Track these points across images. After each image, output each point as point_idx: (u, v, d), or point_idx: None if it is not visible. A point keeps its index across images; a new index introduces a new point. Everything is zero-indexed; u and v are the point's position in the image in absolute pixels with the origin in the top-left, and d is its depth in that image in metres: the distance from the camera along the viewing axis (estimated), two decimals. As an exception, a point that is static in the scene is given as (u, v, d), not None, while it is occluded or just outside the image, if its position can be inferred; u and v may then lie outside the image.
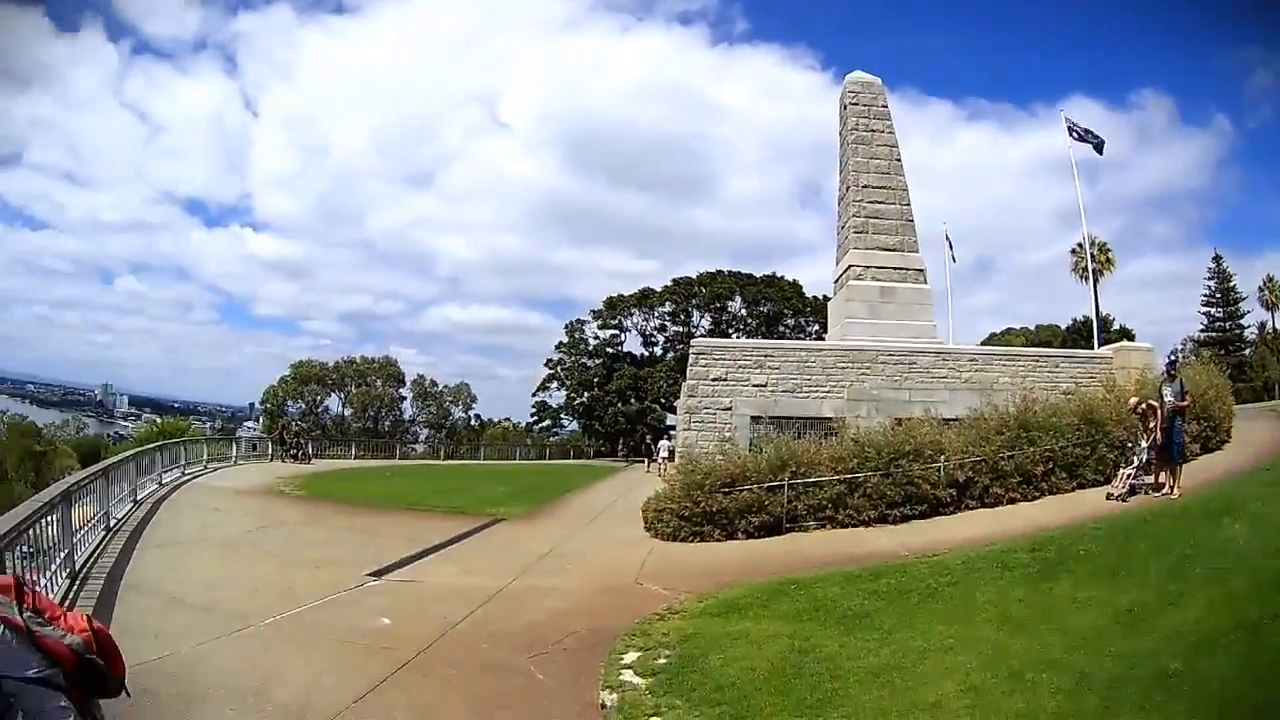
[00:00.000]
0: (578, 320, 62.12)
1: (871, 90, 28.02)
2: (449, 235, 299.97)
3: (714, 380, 22.03)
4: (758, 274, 61.06)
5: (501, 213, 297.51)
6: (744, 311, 59.92)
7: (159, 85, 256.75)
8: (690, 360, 22.75)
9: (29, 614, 2.63)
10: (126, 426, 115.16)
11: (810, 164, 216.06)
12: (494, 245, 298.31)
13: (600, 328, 60.82)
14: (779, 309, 59.13)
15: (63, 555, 8.43)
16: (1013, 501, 13.93)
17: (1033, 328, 66.09)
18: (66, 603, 7.44)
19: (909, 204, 27.14)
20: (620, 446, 56.47)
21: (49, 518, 8.10)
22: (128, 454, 15.65)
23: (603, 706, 5.93)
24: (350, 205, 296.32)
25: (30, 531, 7.28)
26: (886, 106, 27.97)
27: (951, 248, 37.38)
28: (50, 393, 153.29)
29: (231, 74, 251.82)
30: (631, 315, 60.75)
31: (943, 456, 13.86)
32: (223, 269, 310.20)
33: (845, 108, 27.87)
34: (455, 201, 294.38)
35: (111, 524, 12.03)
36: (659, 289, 60.79)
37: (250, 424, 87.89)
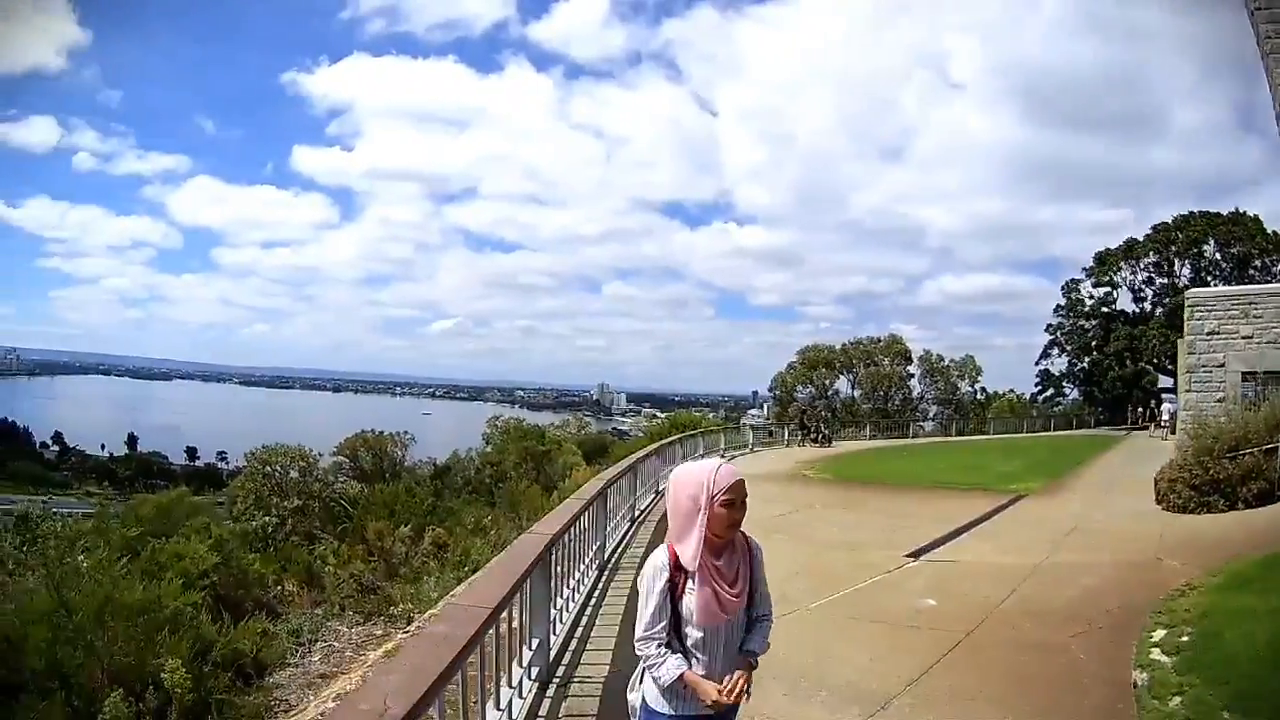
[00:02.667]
0: (1072, 280, 57.90)
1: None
2: (929, 205, 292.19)
3: (1208, 335, 19.36)
4: (1223, 212, 52.12)
5: (974, 175, 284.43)
6: (1218, 255, 51.51)
7: (605, 102, 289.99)
8: (1186, 314, 20.20)
9: None
10: (625, 423, 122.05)
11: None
12: (972, 210, 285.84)
13: (1094, 285, 56.01)
14: (1246, 250, 49.99)
15: (594, 548, 8.61)
16: None
17: None
18: (598, 592, 7.80)
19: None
20: (1120, 413, 51.16)
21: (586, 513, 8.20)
22: (651, 448, 16.30)
23: (1134, 685, 5.72)
24: (828, 187, 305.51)
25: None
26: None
27: None
28: (541, 396, 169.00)
29: (676, 80, 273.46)
30: (1119, 270, 54.92)
31: None
32: (712, 265, 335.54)
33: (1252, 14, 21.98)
34: (928, 169, 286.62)
35: (635, 515, 12.53)
36: (1140, 239, 54.50)
37: (754, 411, 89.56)
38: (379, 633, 8.72)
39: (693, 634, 2.80)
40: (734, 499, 2.82)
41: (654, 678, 2.82)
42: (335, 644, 8.38)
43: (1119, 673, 6.01)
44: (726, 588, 2.81)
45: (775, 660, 6.09)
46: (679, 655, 2.79)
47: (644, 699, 2.92)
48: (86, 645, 6.24)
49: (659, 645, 2.80)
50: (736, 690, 2.77)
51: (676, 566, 2.80)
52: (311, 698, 6.86)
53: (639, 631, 2.83)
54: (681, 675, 2.75)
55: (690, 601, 2.79)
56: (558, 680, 5.37)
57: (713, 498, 2.77)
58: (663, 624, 2.80)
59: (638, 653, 2.85)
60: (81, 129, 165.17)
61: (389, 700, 2.23)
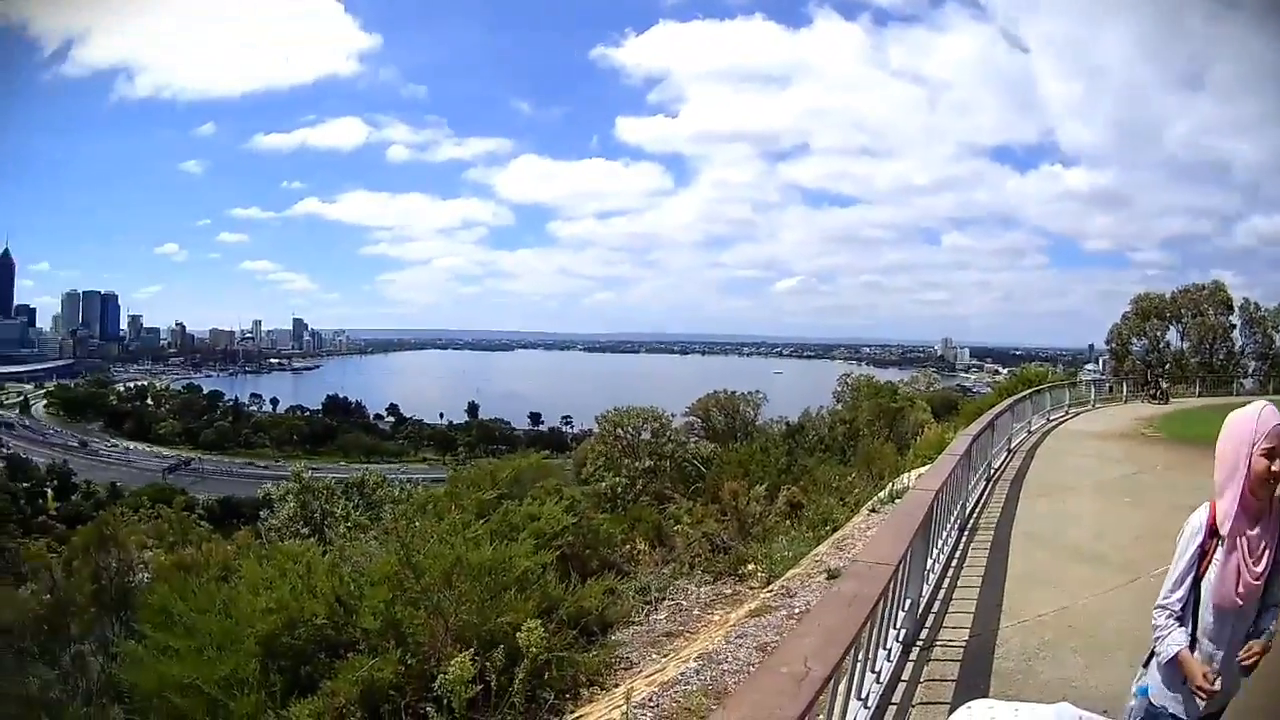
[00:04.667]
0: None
1: None
2: (1233, 138, 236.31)
3: None
4: None
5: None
6: None
7: (918, 47, 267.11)
8: None
9: None
10: (969, 379, 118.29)
11: None
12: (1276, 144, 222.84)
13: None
14: None
15: (957, 507, 8.58)
16: None
17: None
18: (958, 554, 7.75)
19: None
20: None
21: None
22: (1003, 405, 15.98)
23: None
24: (1141, 121, 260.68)
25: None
26: None
27: None
28: (887, 353, 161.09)
29: (981, 18, 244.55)
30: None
31: None
32: (1043, 210, 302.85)
33: None
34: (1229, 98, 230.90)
35: (991, 473, 12.36)
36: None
37: (1090, 366, 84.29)
38: (728, 592, 8.61)
39: (1204, 617, 2.67)
40: (1275, 447, 2.53)
41: (1155, 653, 2.76)
42: (683, 603, 8.38)
43: None
44: (1250, 565, 2.60)
45: (1120, 632, 5.64)
46: (1184, 631, 2.67)
47: (1149, 688, 2.81)
48: (432, 605, 6.55)
49: (1170, 617, 2.70)
50: (1251, 661, 2.61)
51: (1211, 532, 2.67)
52: (654, 655, 6.95)
53: (1159, 597, 2.75)
54: (1177, 654, 2.64)
55: (1211, 577, 2.65)
56: (920, 644, 5.33)
57: (1254, 445, 2.57)
58: (1180, 594, 2.69)
59: (1153, 621, 2.77)
60: (391, 124, 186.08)
61: (809, 662, 2.38)
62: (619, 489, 18.60)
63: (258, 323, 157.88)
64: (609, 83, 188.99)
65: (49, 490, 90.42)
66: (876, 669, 4.04)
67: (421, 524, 8.91)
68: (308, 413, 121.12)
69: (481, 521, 8.54)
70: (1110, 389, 34.64)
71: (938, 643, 5.29)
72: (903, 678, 4.73)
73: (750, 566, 8.95)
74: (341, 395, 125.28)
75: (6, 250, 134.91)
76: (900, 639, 4.94)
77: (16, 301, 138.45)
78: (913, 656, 5.08)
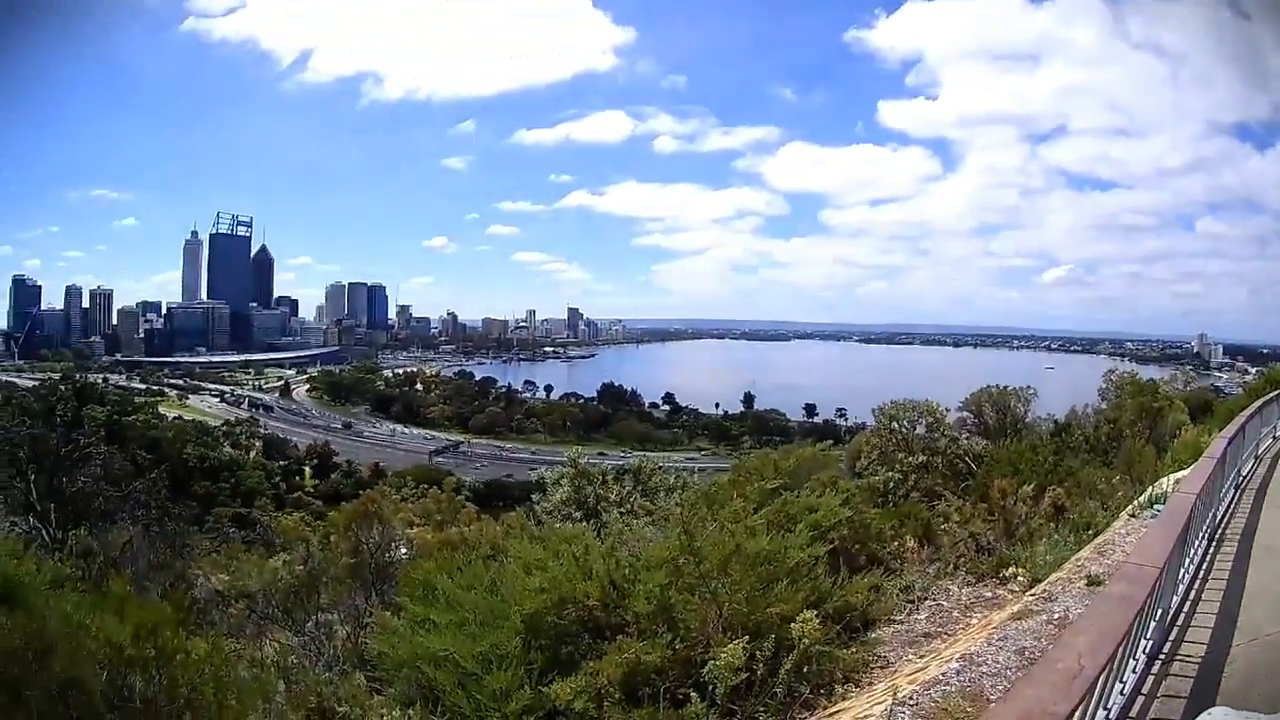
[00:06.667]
0: None
1: None
2: None
3: None
4: None
5: None
6: None
7: (1156, 17, 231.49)
8: None
9: None
10: (1221, 377, 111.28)
11: None
12: None
13: None
14: None
15: (1209, 516, 8.22)
16: None
17: None
18: (1200, 570, 7.27)
19: None
20: None
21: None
22: (1251, 408, 14.56)
23: None
24: None
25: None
26: None
27: None
28: (1149, 348, 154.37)
29: None
30: None
31: None
32: None
33: None
34: None
35: (1239, 480, 11.55)
36: None
37: None
38: (988, 595, 8.53)
39: None
40: None
41: None
42: (943, 603, 8.35)
43: None
44: None
45: None
46: None
47: None
48: (708, 592, 6.63)
49: None
50: None
51: None
52: (911, 655, 6.95)
53: None
54: None
55: None
56: (1162, 656, 5.23)
57: None
58: None
59: None
60: (654, 116, 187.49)
61: (1083, 660, 2.48)
62: (891, 484, 18.48)
63: (532, 312, 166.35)
64: (866, 66, 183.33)
65: (306, 469, 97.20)
66: (1123, 679, 4.03)
67: (703, 510, 9.11)
68: (582, 400, 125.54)
69: (758, 512, 8.69)
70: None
71: (1177, 657, 5.17)
72: (1141, 691, 4.66)
73: (1012, 569, 8.79)
74: (616, 383, 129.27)
75: (265, 247, 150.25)
76: (1146, 651, 4.86)
77: (276, 294, 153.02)
78: (1153, 670, 4.98)
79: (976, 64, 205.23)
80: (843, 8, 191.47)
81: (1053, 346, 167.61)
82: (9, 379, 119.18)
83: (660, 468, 17.34)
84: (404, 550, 16.22)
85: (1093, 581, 7.06)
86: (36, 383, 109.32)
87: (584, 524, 12.05)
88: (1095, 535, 9.79)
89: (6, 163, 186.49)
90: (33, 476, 17.37)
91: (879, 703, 5.44)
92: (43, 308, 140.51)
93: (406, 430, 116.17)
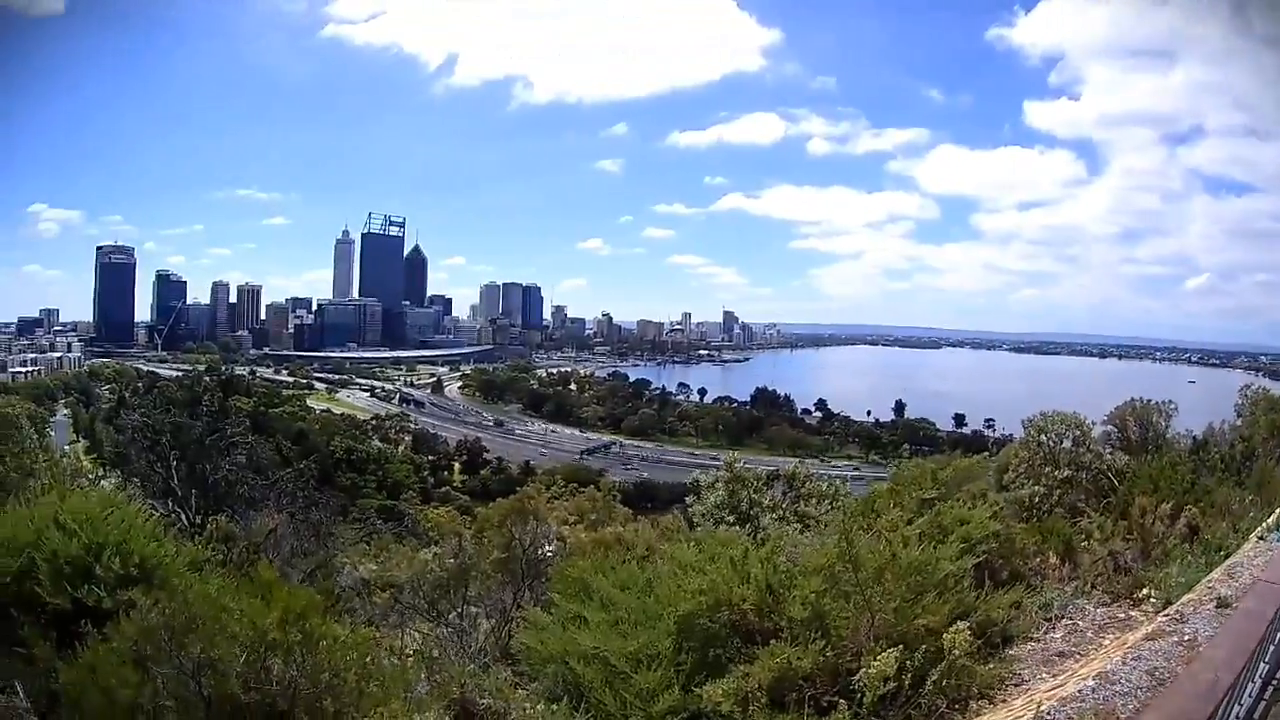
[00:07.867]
0: None
1: None
2: None
3: None
4: None
5: None
6: None
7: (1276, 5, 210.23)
8: None
9: None
10: None
11: None
12: None
13: None
14: None
15: None
16: None
17: None
18: None
19: None
20: None
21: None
22: None
23: None
24: None
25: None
26: None
27: None
28: None
29: None
30: None
31: None
32: None
33: None
34: None
35: None
36: None
37: None
38: (1120, 615, 8.44)
39: None
40: None
41: None
42: (1079, 623, 8.27)
43: None
44: None
45: None
46: None
47: None
48: (863, 600, 6.75)
49: None
50: None
51: None
52: (1045, 674, 6.95)
53: None
54: None
55: None
56: (1275, 683, 5.13)
57: None
58: None
59: None
60: (806, 118, 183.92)
61: (1219, 671, 2.69)
62: (1035, 498, 18.27)
63: (687, 315, 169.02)
64: (1009, 65, 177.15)
65: (455, 464, 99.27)
66: (1242, 701, 4.04)
67: (862, 519, 9.25)
68: (735, 404, 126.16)
69: (912, 522, 8.70)
70: None
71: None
72: (1255, 714, 4.63)
73: (1145, 590, 8.81)
74: (770, 388, 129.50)
75: (417, 247, 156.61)
76: (1262, 675, 4.83)
77: (430, 292, 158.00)
78: (1265, 695, 4.93)
79: (1114, 61, 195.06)
80: (982, 5, 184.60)
81: (1193, 359, 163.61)
82: (152, 369, 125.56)
83: (813, 475, 17.21)
84: (550, 548, 16.46)
85: (1222, 603, 7.02)
86: (180, 374, 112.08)
87: (738, 528, 12.26)
88: (1226, 557, 9.60)
89: (150, 164, 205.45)
90: (174, 463, 17.75)
91: (1019, 717, 5.60)
92: (187, 302, 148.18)
93: (558, 430, 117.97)
